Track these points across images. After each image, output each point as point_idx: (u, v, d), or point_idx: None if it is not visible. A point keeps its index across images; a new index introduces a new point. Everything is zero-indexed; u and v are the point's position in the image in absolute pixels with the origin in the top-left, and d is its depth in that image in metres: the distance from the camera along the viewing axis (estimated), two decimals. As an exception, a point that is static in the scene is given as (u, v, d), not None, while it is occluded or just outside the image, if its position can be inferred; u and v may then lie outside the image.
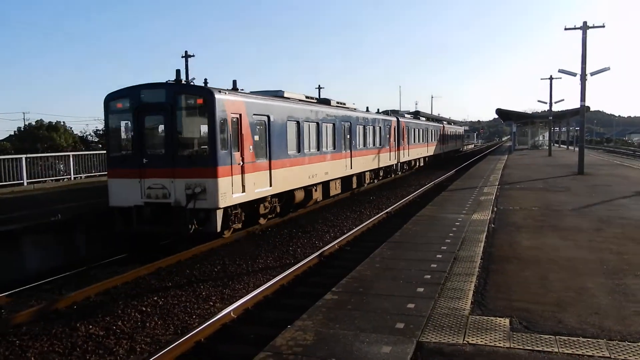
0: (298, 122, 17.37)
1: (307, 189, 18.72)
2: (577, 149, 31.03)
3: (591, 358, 4.56)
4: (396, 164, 31.98)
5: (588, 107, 42.95)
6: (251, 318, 8.27)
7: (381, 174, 29.29)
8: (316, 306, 5.83)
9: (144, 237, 13.79)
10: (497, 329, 5.20)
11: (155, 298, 9.43)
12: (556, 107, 48.49)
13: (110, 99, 13.80)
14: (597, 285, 6.57)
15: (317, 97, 21.15)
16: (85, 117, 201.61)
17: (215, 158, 12.75)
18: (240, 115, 13.80)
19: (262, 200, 15.31)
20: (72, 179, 20.73)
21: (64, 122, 43.66)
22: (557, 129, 77.54)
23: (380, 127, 27.85)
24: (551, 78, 43.39)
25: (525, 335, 5.06)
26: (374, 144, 26.71)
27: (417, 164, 39.17)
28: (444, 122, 55.63)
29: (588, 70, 23.95)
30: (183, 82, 13.66)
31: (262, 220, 15.74)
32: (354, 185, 24.17)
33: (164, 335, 7.59)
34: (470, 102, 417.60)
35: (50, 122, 43.20)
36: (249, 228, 15.14)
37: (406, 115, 38.53)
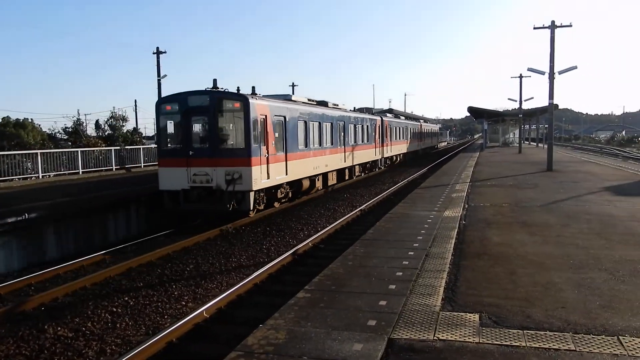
0: (305, 122, 20.67)
1: (311, 179, 21.88)
2: (546, 146, 31.46)
3: (557, 351, 4.65)
4: (380, 159, 35.29)
5: (557, 105, 44.04)
6: (224, 317, 8.23)
7: (368, 167, 32.90)
8: (289, 304, 5.83)
9: (184, 215, 16.89)
10: (467, 324, 5.26)
11: (126, 298, 9.37)
12: (526, 105, 49.62)
13: (161, 103, 16.71)
14: (563, 280, 6.66)
15: (312, 98, 23.71)
16: (54, 114, 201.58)
17: (249, 151, 15.75)
18: (266, 116, 16.92)
19: (279, 186, 18.56)
20: (40, 177, 20.79)
21: (31, 119, 44.69)
22: (527, 126, 79.35)
23: (367, 126, 31.44)
24: (521, 76, 43.91)
25: (494, 330, 5.12)
26: (362, 141, 30.27)
27: (398, 159, 42.23)
28: (421, 121, 59.10)
29: (556, 69, 24.24)
30: (221, 89, 16.56)
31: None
32: (347, 177, 27.51)
33: (135, 336, 7.55)
34: (443, 100, 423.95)
35: (17, 119, 43.16)
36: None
37: (388, 115, 41.92)
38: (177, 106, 16.54)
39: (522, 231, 9.83)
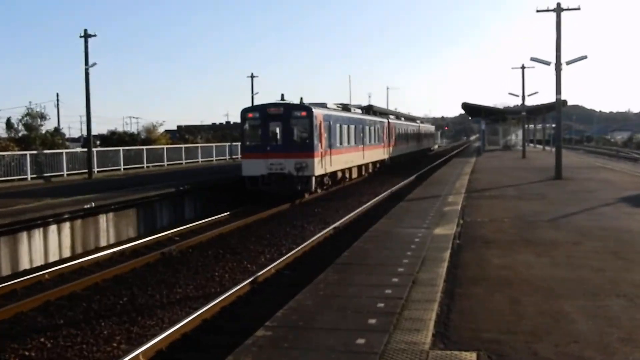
0: (340, 125, 30.59)
1: (343, 171, 31.73)
2: (554, 149, 31.81)
3: (570, 396, 5.09)
4: (387, 159, 44.97)
5: (565, 102, 44.61)
6: (166, 362, 9.16)
7: (378, 165, 42.56)
8: (245, 345, 5.74)
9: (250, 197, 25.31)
10: (463, 365, 5.95)
11: (42, 339, 9.17)
12: (530, 102, 50.62)
13: (246, 111, 26.22)
14: (576, 309, 6.72)
15: (339, 104, 33.69)
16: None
17: (312, 147, 25.12)
18: (320, 122, 26.53)
19: (325, 175, 28.24)
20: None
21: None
22: (531, 126, 79.96)
23: (378, 127, 41.46)
24: (523, 67, 44.43)
25: (495, 372, 5.72)
26: (375, 141, 40.11)
27: (401, 159, 52.05)
28: (418, 122, 69.45)
29: (564, 59, 24.68)
30: (288, 101, 26.61)
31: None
32: (364, 172, 37.50)
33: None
34: (433, 96, 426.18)
35: None
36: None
37: (391, 117, 50.70)
38: (259, 114, 25.73)
39: (526, 251, 9.92)
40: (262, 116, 26.11)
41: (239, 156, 46.51)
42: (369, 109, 46.77)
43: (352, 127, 33.76)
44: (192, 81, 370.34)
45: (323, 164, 26.91)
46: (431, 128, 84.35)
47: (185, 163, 41.62)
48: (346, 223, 20.36)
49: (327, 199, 27.70)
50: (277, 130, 26.63)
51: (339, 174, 31.32)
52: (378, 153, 41.43)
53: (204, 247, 16.78)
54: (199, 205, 24.49)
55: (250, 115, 26.71)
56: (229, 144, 52.49)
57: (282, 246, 16.66)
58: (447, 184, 23.38)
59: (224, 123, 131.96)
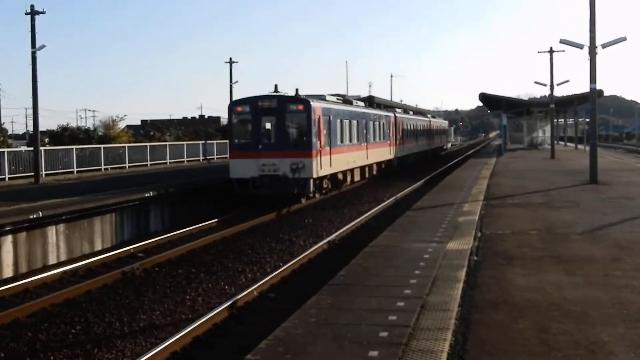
0: (341, 120, 31.48)
1: (344, 173, 32.24)
2: (587, 148, 31.91)
3: None
4: (394, 159, 45.99)
5: (601, 92, 44.15)
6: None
7: (383, 167, 43.38)
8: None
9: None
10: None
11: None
12: (560, 92, 51.10)
13: (234, 105, 27.77)
14: (615, 338, 6.71)
15: (339, 95, 34.53)
16: None
17: (310, 145, 26.02)
18: (319, 116, 27.41)
19: (324, 177, 28.77)
20: None
21: None
22: (561, 121, 76.74)
23: (383, 123, 42.55)
24: (552, 51, 44.76)
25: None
26: (380, 139, 41.22)
27: (409, 160, 53.32)
28: (429, 116, 71.05)
29: (599, 41, 24.64)
30: (282, 93, 27.43)
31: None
32: (367, 175, 38.09)
33: None
34: (444, 86, 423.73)
35: None
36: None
37: (398, 110, 51.01)
38: (248, 108, 26.68)
39: (556, 269, 9.93)
40: (252, 110, 27.11)
41: (215, 157, 51.69)
42: (369, 101, 46.73)
43: (355, 122, 34.91)
44: (159, 68, 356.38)
45: (322, 165, 27.92)
46: (444, 124, 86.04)
47: (151, 165, 41.65)
48: (343, 236, 20.35)
49: (321, 207, 27.71)
50: (270, 126, 27.76)
51: (340, 176, 32.31)
52: (383, 152, 42.57)
53: (173, 265, 16.67)
54: (169, 214, 24.22)
55: (239, 109, 27.69)
56: (203, 142, 52.84)
57: (267, 264, 16.63)
58: (462, 189, 23.48)
59: (197, 117, 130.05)
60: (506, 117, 60.65)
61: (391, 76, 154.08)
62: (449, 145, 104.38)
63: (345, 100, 36.66)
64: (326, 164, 28.63)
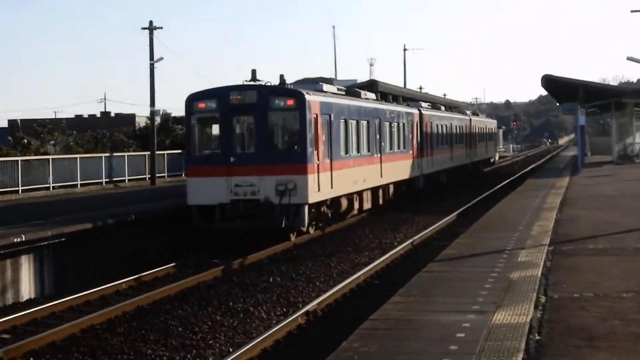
0: (345, 120, 31.54)
1: (349, 198, 32.66)
2: None
3: None
4: (418, 177, 44.26)
5: None
6: None
7: (403, 188, 41.87)
8: None
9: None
10: None
11: None
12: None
13: (193, 99, 27.29)
14: None
15: (340, 87, 35.21)
16: None
17: (305, 156, 26.07)
18: (317, 115, 27.34)
19: (323, 203, 28.90)
20: None
21: None
22: None
23: (404, 124, 41.27)
24: (646, 12, 42.57)
25: None
26: (399, 147, 40.19)
27: (440, 178, 50.20)
28: (468, 113, 67.39)
29: None
30: (263, 82, 27.51)
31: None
32: (380, 200, 37.84)
33: None
34: (485, 68, 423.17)
35: None
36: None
37: (423, 105, 49.08)
38: (215, 103, 27.00)
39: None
40: (221, 106, 26.58)
41: (127, 178, 46.29)
42: (371, 88, 44.65)
43: (364, 123, 33.80)
44: (36, 42, 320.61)
45: (320, 185, 27.07)
46: (490, 124, 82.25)
47: (24, 191, 38.25)
48: (329, 303, 18.92)
49: (300, 254, 26.49)
50: (247, 129, 26.95)
51: (344, 202, 31.08)
52: (404, 167, 41.28)
53: (57, 352, 15.42)
54: (55, 271, 22.50)
55: (201, 105, 27.13)
56: (108, 154, 49.43)
57: (207, 350, 15.51)
58: (516, 227, 23.28)
59: (99, 115, 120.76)
60: (584, 113, 56.16)
61: (404, 50, 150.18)
62: (497, 156, 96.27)
63: (350, 91, 35.20)
64: (326, 183, 27.75)
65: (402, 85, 71.26)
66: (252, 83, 27.88)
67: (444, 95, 78.59)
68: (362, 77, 59.57)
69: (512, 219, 25.68)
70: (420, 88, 77.72)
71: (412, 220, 33.79)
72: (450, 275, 15.66)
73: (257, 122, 26.46)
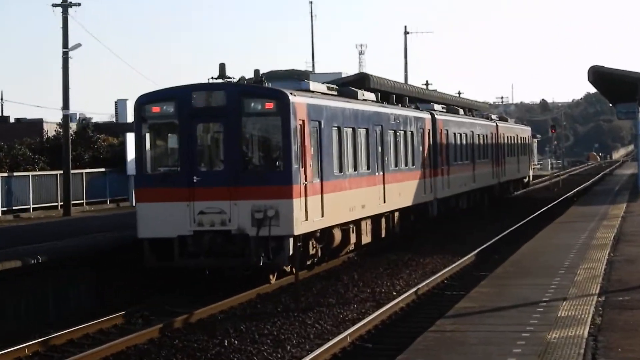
0: (339, 128, 32.04)
1: (344, 229, 34.30)
2: None
3: None
4: (431, 202, 44.10)
5: None
6: None
7: (411, 217, 41.53)
8: None
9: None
10: None
11: None
12: None
13: (145, 102, 26.79)
14: None
15: (331, 85, 35.33)
16: None
17: (290, 174, 26.90)
18: (303, 121, 27.38)
19: (312, 235, 28.56)
20: None
21: None
22: None
23: (412, 132, 40.84)
24: None
25: None
26: (405, 163, 40.06)
27: (458, 203, 50.64)
28: (494, 117, 67.26)
29: None
30: (234, 79, 25.86)
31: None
32: (383, 232, 39.19)
33: None
34: (515, 54, 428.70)
35: None
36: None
37: (436, 107, 49.40)
38: (173, 107, 26.82)
39: None
40: (180, 111, 26.13)
41: (31, 207, 46.81)
42: (361, 84, 45.40)
43: (362, 131, 33.37)
44: None
45: (309, 212, 26.78)
46: (522, 131, 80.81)
47: None
48: None
49: (266, 309, 25.97)
50: (214, 140, 26.98)
51: (337, 235, 30.41)
52: (412, 190, 40.92)
53: None
54: None
55: (155, 109, 26.89)
56: (5, 174, 49.36)
57: None
58: (555, 271, 24.08)
59: None
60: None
61: (405, 34, 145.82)
62: (532, 174, 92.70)
63: (343, 90, 34.53)
64: (315, 209, 27.41)
65: (403, 81, 71.14)
66: (220, 81, 27.41)
67: (459, 94, 76.86)
68: (349, 70, 60.06)
69: (550, 259, 25.99)
70: (427, 84, 75.99)
71: (417, 261, 33.37)
72: (465, 337, 15.46)
73: (228, 131, 26.55)
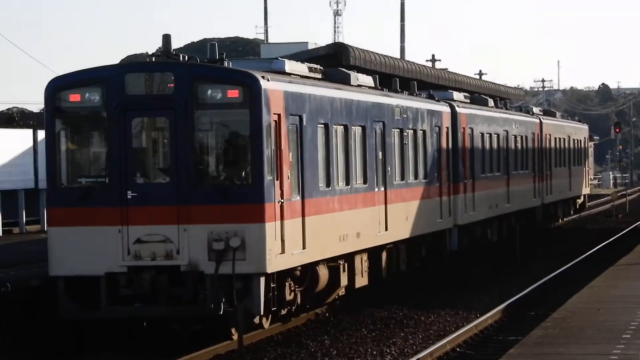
0: (326, 126, 26.06)
1: (330, 266, 27.16)
2: None
3: None
4: (450, 230, 37.20)
5: None
6: None
7: (422, 252, 34.33)
8: None
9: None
10: None
11: None
12: None
13: (61, 88, 21.46)
14: None
15: (313, 66, 27.96)
16: None
17: (261, 188, 21.14)
18: (279, 115, 22.08)
19: (291, 273, 23.06)
20: None
21: None
22: None
23: (423, 132, 34.59)
24: None
25: None
26: (415, 175, 33.48)
27: (487, 233, 40.88)
28: (537, 110, 58.39)
29: None
30: (184, 57, 21.04)
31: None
32: (384, 269, 31.43)
33: None
34: (561, 20, 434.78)
35: None
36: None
37: (456, 96, 40.70)
38: (99, 94, 21.32)
39: None
40: (110, 100, 20.60)
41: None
42: (335, 60, 40.00)
43: (357, 130, 27.63)
44: None
45: (286, 241, 21.77)
46: (577, 132, 66.68)
47: None
48: None
49: None
50: (157, 140, 21.55)
51: (323, 274, 25.23)
52: (425, 212, 33.71)
53: None
54: None
55: (73, 97, 21.15)
56: None
57: None
58: (617, 334, 20.70)
59: None
60: None
61: None
62: (587, 191, 77.42)
63: (330, 73, 28.20)
64: (294, 238, 22.38)
65: (399, 53, 64.97)
66: (165, 60, 21.51)
67: (480, 75, 68.25)
68: (319, 40, 55.46)
69: (610, 318, 23.46)
70: (433, 61, 65.18)
71: (418, 319, 28.70)
72: None
73: (175, 129, 20.91)
